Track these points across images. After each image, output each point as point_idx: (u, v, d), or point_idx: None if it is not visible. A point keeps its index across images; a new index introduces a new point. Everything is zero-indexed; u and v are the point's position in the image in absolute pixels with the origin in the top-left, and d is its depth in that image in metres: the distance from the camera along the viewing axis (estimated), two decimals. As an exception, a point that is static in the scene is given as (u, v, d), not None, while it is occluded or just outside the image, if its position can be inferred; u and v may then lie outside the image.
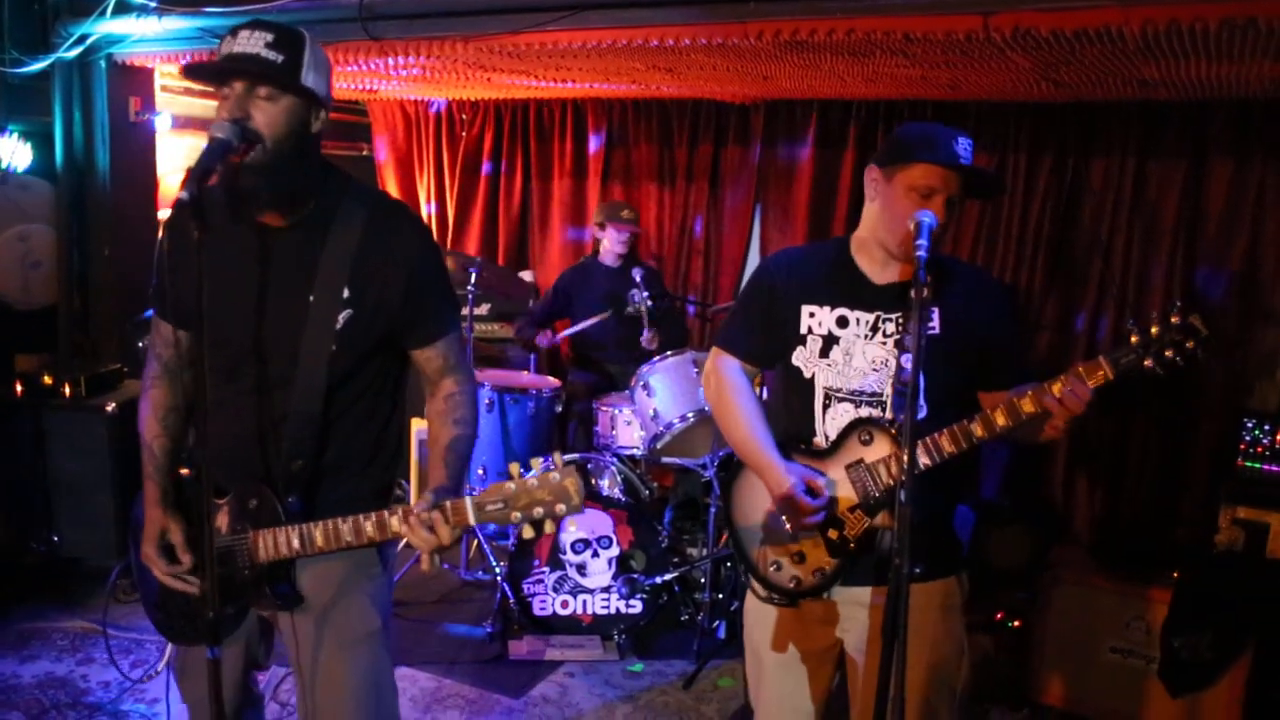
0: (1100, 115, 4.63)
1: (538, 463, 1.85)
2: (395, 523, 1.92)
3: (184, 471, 2.16)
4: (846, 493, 2.15)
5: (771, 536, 2.23)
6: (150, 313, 2.22)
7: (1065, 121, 4.69)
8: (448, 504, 1.87)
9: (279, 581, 2.04)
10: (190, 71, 1.92)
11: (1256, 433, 3.74)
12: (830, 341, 2.20)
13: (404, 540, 1.97)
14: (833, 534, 2.16)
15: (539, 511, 1.81)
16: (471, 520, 1.85)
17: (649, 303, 4.83)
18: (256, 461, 2.03)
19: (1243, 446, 3.75)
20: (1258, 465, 3.71)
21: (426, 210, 6.43)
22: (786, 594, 2.21)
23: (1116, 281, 4.68)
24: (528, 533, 1.86)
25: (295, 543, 1.98)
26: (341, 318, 1.98)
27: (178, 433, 2.17)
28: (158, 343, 2.17)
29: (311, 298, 1.98)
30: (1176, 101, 4.33)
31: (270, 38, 1.86)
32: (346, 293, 1.98)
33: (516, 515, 1.82)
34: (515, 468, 1.84)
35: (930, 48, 3.28)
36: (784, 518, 2.17)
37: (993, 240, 4.91)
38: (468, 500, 1.85)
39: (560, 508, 1.81)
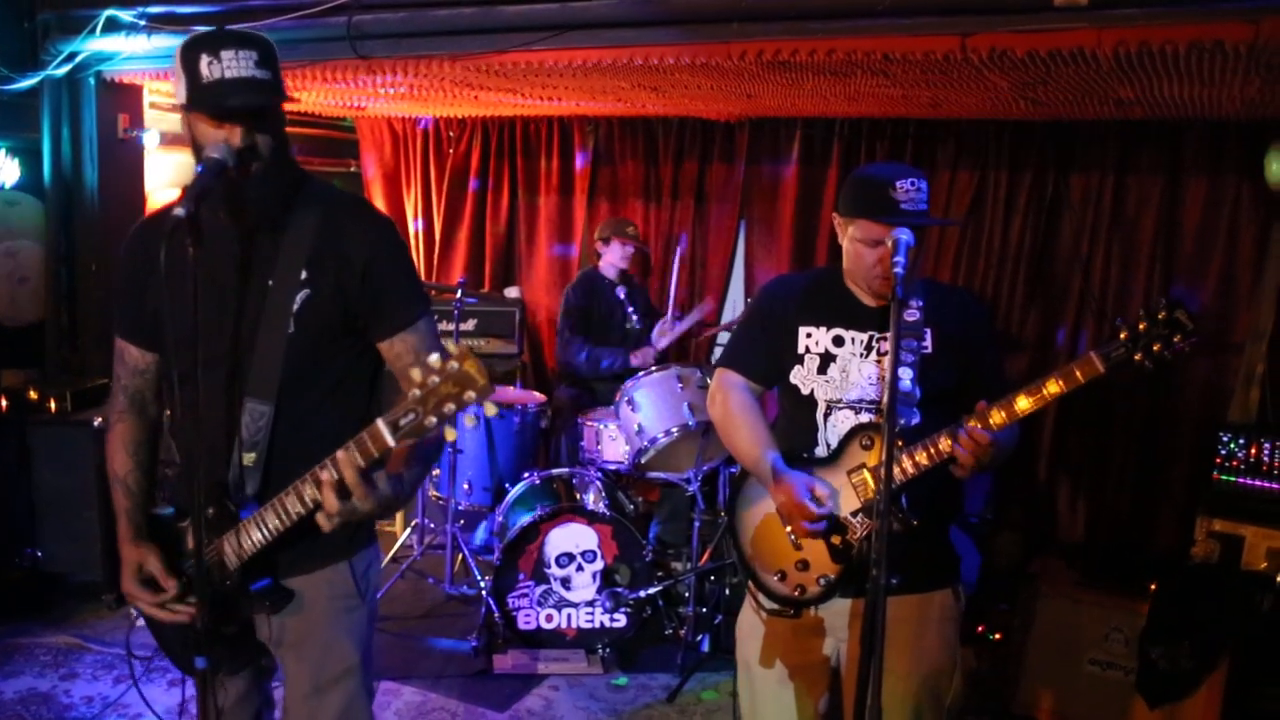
0: (1079, 133, 4.71)
1: (435, 359, 1.74)
2: (325, 476, 1.84)
3: (158, 512, 2.12)
4: (849, 498, 2.19)
5: (775, 546, 2.26)
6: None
7: (1045, 139, 4.76)
8: (353, 441, 1.80)
9: (257, 580, 2.01)
10: (193, 103, 1.86)
11: (1232, 446, 3.78)
12: (827, 359, 2.27)
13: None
14: (836, 540, 2.19)
15: (450, 407, 1.72)
16: (390, 440, 1.76)
17: (636, 320, 4.89)
18: (217, 460, 1.99)
19: (1218, 460, 3.80)
20: (1233, 478, 3.75)
21: (414, 226, 6.46)
22: (791, 603, 2.24)
23: (1096, 297, 4.74)
24: (450, 435, 1.77)
25: (256, 534, 1.94)
26: (299, 298, 1.96)
27: (150, 465, 2.14)
28: (123, 373, 2.13)
29: (270, 282, 1.97)
30: (1153, 120, 4.40)
31: (255, 55, 1.85)
32: (304, 274, 1.97)
33: (431, 420, 1.73)
34: (415, 373, 1.74)
35: (909, 68, 3.34)
36: (788, 525, 2.21)
37: (974, 257, 4.97)
38: (379, 422, 1.77)
39: (469, 394, 1.72)
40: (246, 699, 2.24)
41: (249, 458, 1.97)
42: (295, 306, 1.96)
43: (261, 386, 1.96)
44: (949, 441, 2.08)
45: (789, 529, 2.22)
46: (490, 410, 1.76)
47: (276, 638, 2.09)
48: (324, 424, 2.02)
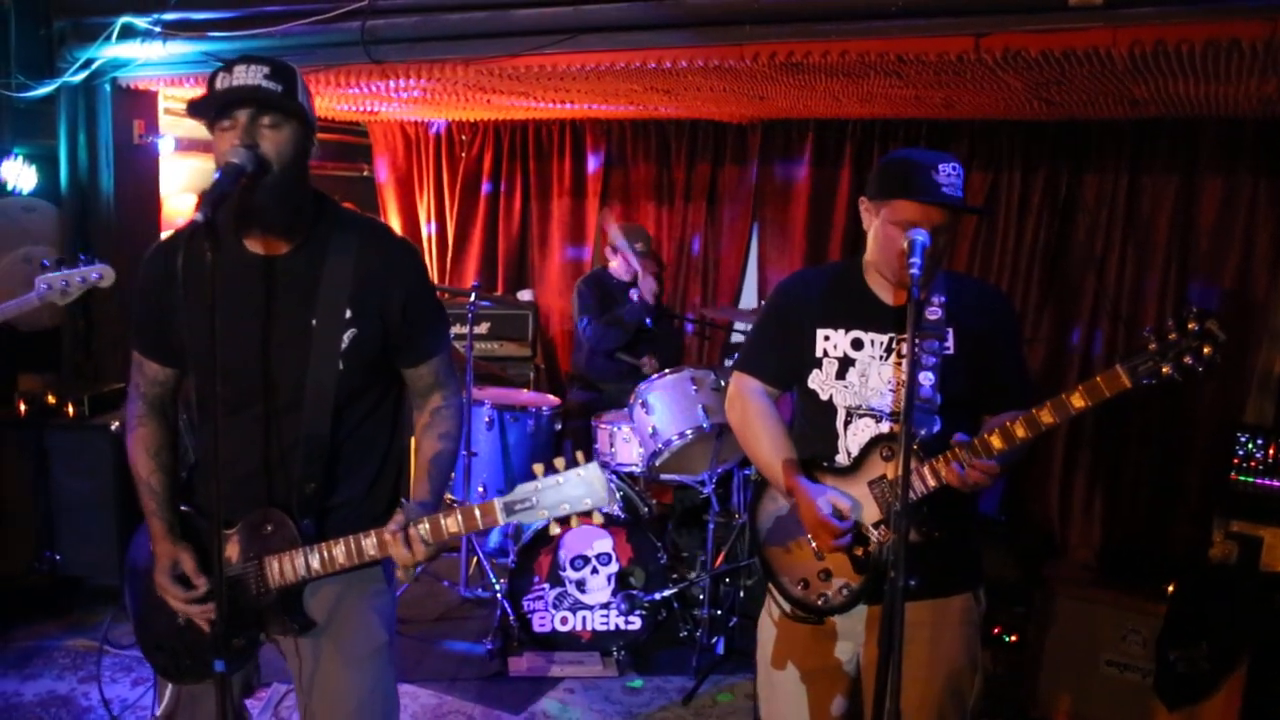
0: (1092, 132, 4.69)
1: (560, 462, 1.90)
2: (425, 529, 1.98)
3: (185, 508, 2.17)
4: (870, 509, 2.18)
5: (798, 554, 2.25)
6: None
7: (1058, 139, 4.74)
8: (461, 510, 1.94)
9: (294, 605, 2.07)
10: (195, 107, 1.93)
11: (1250, 447, 3.76)
12: (846, 364, 2.23)
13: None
14: (858, 551, 2.17)
15: (566, 509, 1.88)
16: (501, 520, 1.91)
17: (648, 322, 4.88)
18: (265, 490, 2.05)
19: (1236, 460, 3.78)
20: (1251, 479, 3.73)
21: (426, 230, 6.48)
22: (815, 611, 2.23)
23: (1111, 296, 4.72)
24: (554, 529, 1.93)
25: (315, 564, 2.01)
26: (346, 338, 2.02)
27: (172, 467, 2.18)
28: (142, 382, 2.17)
29: (314, 321, 2.01)
30: (1167, 118, 4.38)
31: (267, 70, 1.90)
32: (349, 313, 2.02)
33: (544, 513, 1.88)
34: (540, 468, 1.90)
35: (923, 69, 3.33)
36: (811, 539, 2.20)
37: (988, 257, 4.96)
38: (497, 501, 1.91)
39: (588, 502, 1.87)
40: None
41: (309, 487, 2.05)
42: (343, 346, 2.02)
43: (317, 423, 2.03)
44: (968, 450, 2.05)
45: (812, 541, 2.21)
46: (597, 519, 1.91)
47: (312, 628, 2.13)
48: (364, 447, 2.13)
